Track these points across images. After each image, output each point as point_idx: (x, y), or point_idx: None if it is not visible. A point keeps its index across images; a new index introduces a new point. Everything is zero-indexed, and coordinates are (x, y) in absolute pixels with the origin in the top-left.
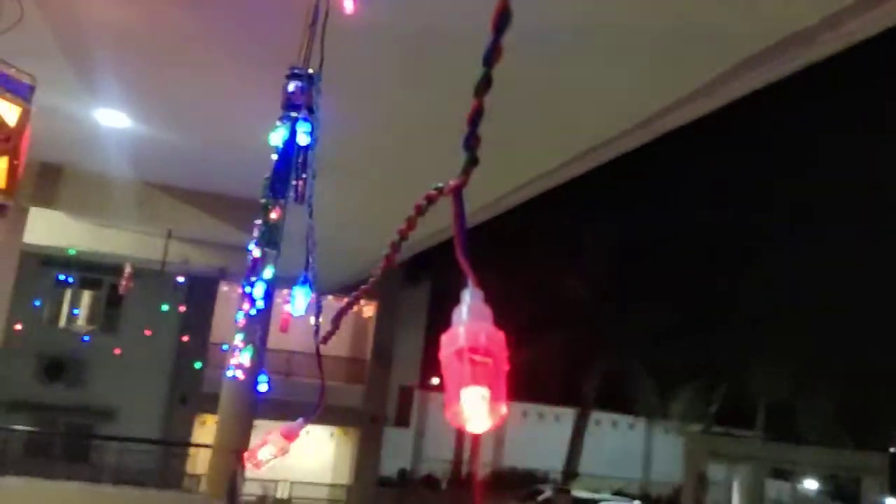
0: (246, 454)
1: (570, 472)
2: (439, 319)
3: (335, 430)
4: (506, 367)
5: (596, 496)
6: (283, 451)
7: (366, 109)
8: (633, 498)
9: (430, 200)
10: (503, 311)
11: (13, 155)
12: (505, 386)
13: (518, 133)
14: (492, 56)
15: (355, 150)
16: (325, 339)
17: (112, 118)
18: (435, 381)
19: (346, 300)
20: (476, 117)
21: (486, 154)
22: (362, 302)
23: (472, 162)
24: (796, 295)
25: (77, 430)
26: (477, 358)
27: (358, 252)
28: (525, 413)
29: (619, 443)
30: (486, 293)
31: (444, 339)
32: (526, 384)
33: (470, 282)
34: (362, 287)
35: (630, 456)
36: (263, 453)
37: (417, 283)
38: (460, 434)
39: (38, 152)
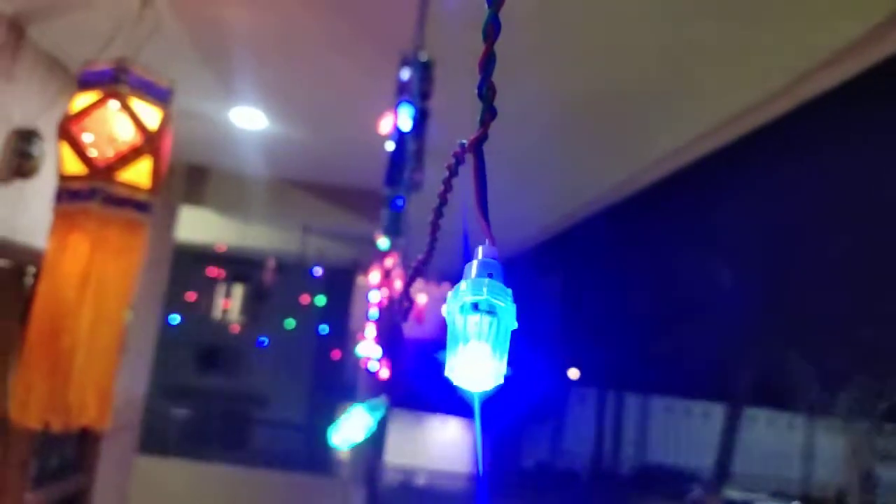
0: (331, 429)
1: (722, 472)
2: (573, 310)
3: (472, 421)
4: (511, 325)
5: (751, 496)
6: (368, 428)
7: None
8: (793, 499)
9: (458, 158)
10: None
11: (156, 156)
12: (508, 344)
13: (650, 106)
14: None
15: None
16: (405, 316)
17: (249, 119)
18: (572, 373)
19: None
20: (487, 63)
21: (617, 129)
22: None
23: (490, 113)
24: None
25: (232, 415)
26: (478, 314)
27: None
28: (670, 408)
29: (777, 441)
30: (629, 279)
31: (449, 294)
32: (671, 377)
33: (487, 240)
34: (419, 258)
35: (788, 455)
36: (349, 430)
37: (547, 275)
38: (600, 428)
39: (185, 154)
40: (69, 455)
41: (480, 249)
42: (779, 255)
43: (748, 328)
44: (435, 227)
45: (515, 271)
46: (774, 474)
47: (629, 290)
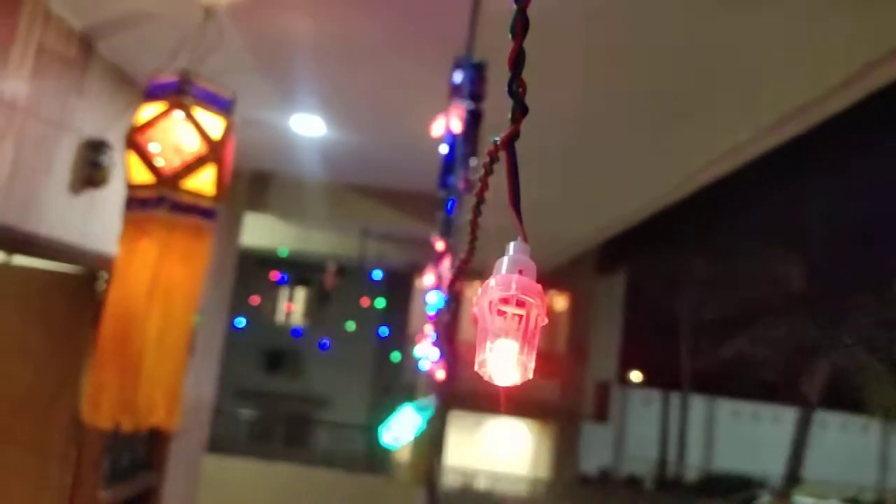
0: (382, 428)
1: (792, 478)
2: (637, 311)
3: (532, 424)
4: (541, 322)
5: (822, 503)
6: (419, 428)
7: (535, 95)
8: None
9: (492, 156)
10: (712, 298)
11: (220, 164)
12: (537, 340)
13: (707, 101)
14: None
15: (526, 138)
16: (452, 315)
17: (308, 125)
18: (635, 376)
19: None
20: (517, 60)
21: (674, 128)
22: (552, 294)
23: (521, 109)
24: None
25: (295, 416)
26: (507, 309)
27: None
28: (737, 412)
29: (850, 446)
30: (695, 278)
31: (479, 290)
32: (738, 380)
33: (519, 237)
34: (461, 259)
35: (863, 460)
36: (399, 429)
37: (611, 274)
38: (665, 432)
39: (247, 161)
40: (140, 454)
41: (512, 246)
42: (852, 253)
43: (820, 329)
44: (474, 225)
45: (576, 272)
46: (847, 480)
47: (695, 290)
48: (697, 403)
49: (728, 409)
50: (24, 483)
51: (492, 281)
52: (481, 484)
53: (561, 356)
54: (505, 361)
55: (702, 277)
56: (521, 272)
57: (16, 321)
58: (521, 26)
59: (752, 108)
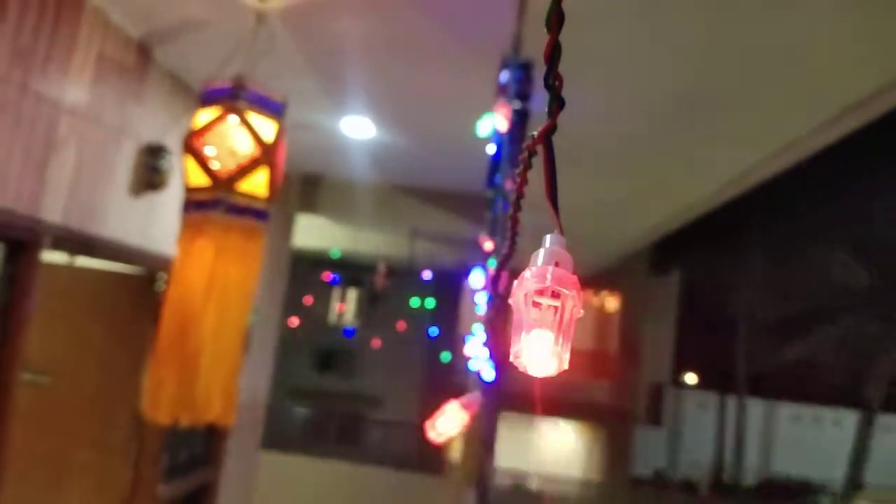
0: (427, 424)
1: (854, 483)
2: (692, 312)
3: (584, 426)
4: (577, 313)
5: None
6: (463, 424)
7: (579, 93)
8: None
9: (530, 151)
10: (770, 297)
11: (272, 167)
12: (572, 332)
13: (763, 94)
14: None
15: (571, 137)
16: (498, 312)
17: (358, 127)
18: (689, 378)
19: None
20: (553, 54)
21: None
22: (604, 293)
23: (557, 103)
24: None
25: (347, 415)
26: (542, 301)
27: (582, 240)
28: (797, 416)
29: None
30: (751, 279)
31: (515, 283)
32: (798, 383)
33: (556, 229)
34: (503, 254)
35: None
36: (443, 424)
37: (665, 273)
38: (722, 436)
39: (300, 164)
40: (198, 450)
41: (548, 238)
42: None
43: (884, 330)
44: (514, 221)
45: (629, 271)
46: None
47: (752, 291)
48: (755, 406)
49: (787, 413)
50: (88, 477)
51: (527, 272)
52: (532, 485)
53: (612, 357)
54: (540, 352)
55: (760, 276)
56: (557, 264)
57: (80, 321)
58: (556, 20)
59: (810, 101)
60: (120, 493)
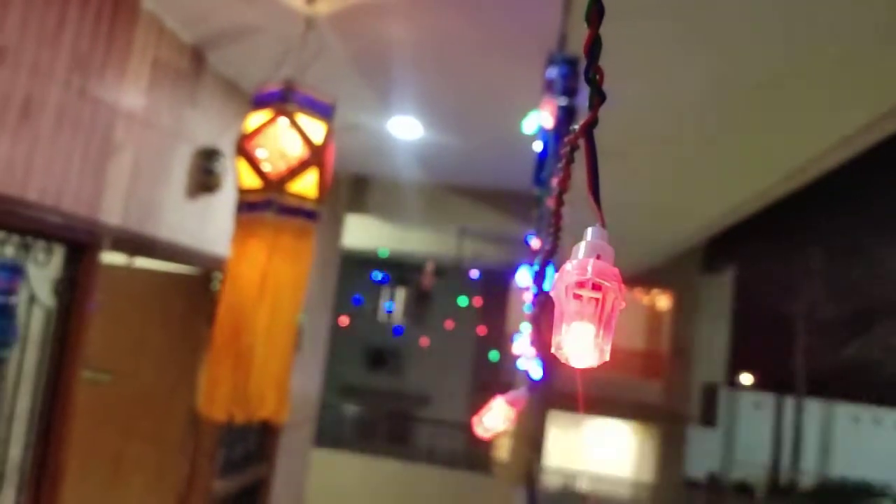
0: (473, 419)
1: None
2: (747, 311)
3: (635, 426)
4: (618, 306)
5: None
6: (510, 420)
7: (624, 89)
8: None
9: (572, 145)
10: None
11: (322, 168)
12: (613, 324)
13: (819, 87)
14: None
15: (615, 133)
16: (540, 308)
17: (406, 128)
18: (745, 378)
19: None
20: (593, 47)
21: (782, 117)
22: (655, 292)
23: (599, 96)
24: None
25: (397, 413)
26: (583, 293)
27: (631, 238)
28: (857, 417)
29: None
30: (812, 275)
31: (556, 275)
32: (856, 384)
33: (598, 222)
34: (546, 250)
35: None
36: (489, 420)
37: (719, 271)
38: (779, 437)
39: (349, 165)
40: (252, 446)
41: (590, 231)
42: None
43: None
44: (557, 216)
45: (681, 269)
46: None
47: (810, 288)
48: (813, 407)
49: (847, 413)
50: (145, 473)
51: (568, 265)
52: (582, 485)
53: (664, 357)
54: (581, 344)
55: (819, 273)
56: (598, 257)
57: (137, 320)
58: (596, 13)
59: (870, 91)
60: (176, 487)
